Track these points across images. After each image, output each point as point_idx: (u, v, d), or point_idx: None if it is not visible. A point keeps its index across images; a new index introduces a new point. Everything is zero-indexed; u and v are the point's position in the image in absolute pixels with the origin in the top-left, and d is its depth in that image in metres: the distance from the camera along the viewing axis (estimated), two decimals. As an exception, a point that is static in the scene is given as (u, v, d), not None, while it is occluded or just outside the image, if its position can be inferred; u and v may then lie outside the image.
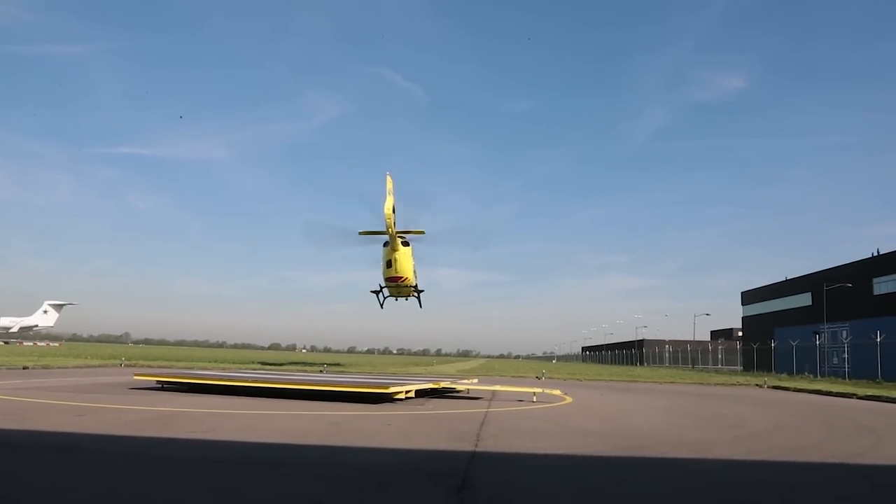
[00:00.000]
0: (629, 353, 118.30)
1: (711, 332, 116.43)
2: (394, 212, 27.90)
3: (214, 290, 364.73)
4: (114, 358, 36.76)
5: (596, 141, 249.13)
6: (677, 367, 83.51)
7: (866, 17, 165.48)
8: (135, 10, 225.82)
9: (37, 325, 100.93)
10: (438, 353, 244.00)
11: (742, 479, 6.74)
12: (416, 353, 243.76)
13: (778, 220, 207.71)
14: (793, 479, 6.91)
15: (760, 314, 73.17)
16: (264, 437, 8.57)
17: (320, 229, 35.26)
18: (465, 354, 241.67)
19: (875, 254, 53.34)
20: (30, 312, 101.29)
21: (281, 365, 38.33)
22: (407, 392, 14.62)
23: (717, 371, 64.90)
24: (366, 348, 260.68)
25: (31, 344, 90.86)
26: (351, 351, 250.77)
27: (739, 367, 72.71)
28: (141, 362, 33.48)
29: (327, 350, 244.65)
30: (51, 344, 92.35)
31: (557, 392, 17.74)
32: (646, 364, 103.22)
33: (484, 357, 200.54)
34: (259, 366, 34.23)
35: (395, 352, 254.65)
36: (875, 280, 51.81)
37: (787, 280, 68.46)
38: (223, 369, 25.69)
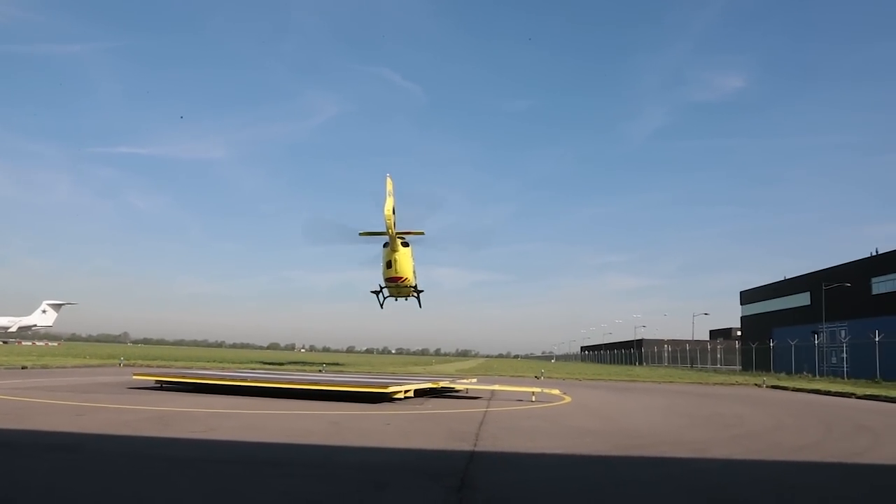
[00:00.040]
0: (628, 352, 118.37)
1: (710, 331, 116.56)
2: (394, 213, 28.02)
3: (213, 290, 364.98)
4: (112, 358, 36.72)
5: (595, 141, 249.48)
6: (676, 367, 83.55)
7: (865, 16, 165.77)
8: (134, 10, 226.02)
9: (35, 325, 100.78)
10: (437, 353, 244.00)
11: (741, 478, 6.75)
12: (414, 353, 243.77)
13: (777, 219, 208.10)
14: (791, 478, 6.92)
15: (759, 314, 73.27)
16: (264, 437, 8.57)
17: (322, 226, 35.37)
18: (464, 354, 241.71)
19: (874, 253, 53.43)
20: (28, 312, 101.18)
21: (281, 364, 38.31)
22: (406, 392, 14.62)
23: (715, 371, 64.94)
24: (365, 348, 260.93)
25: (29, 343, 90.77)
26: (350, 350, 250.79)
27: (738, 367, 72.77)
28: (140, 362, 33.44)
29: (326, 350, 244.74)
30: (49, 344, 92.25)
31: (556, 392, 17.74)
32: (645, 364, 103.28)
33: (483, 357, 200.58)
34: (258, 365, 34.22)
35: (393, 351, 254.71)
36: (874, 280, 51.88)
37: (785, 280, 68.56)
38: (222, 369, 25.67)
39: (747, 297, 77.95)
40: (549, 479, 6.38)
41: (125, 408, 11.38)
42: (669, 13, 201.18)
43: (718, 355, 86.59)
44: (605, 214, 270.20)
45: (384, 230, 28.73)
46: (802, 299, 63.01)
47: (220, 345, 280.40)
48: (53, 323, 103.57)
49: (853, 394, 23.83)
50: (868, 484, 6.80)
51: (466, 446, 7.96)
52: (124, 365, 30.39)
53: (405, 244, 30.50)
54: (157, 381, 16.69)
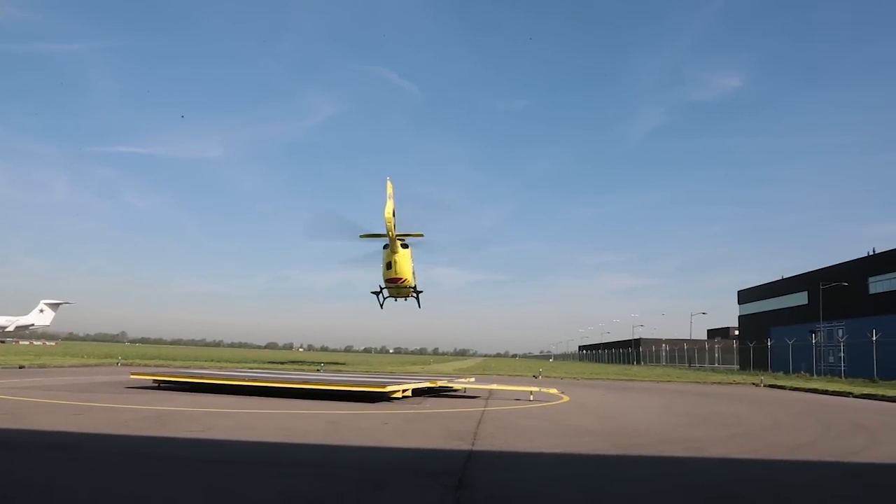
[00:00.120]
0: (626, 352, 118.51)
1: (708, 331, 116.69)
2: (394, 215, 28.20)
3: (211, 290, 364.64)
4: (110, 357, 36.65)
5: (593, 140, 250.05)
6: (674, 366, 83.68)
7: (863, 16, 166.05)
8: (132, 10, 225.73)
9: (33, 325, 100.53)
10: (435, 352, 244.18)
11: (738, 476, 6.76)
12: (413, 352, 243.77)
13: (775, 219, 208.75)
14: (788, 477, 6.93)
15: (757, 313, 73.35)
16: (261, 436, 8.57)
17: (327, 221, 35.51)
18: (462, 353, 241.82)
19: (871, 253, 53.52)
20: (26, 311, 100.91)
21: (281, 364, 38.28)
22: (404, 391, 14.62)
23: (713, 370, 65.05)
24: (363, 347, 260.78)
25: (27, 343, 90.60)
26: (348, 350, 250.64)
27: (736, 366, 72.91)
28: (138, 361, 33.40)
29: (324, 349, 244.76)
30: (47, 343, 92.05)
31: (554, 391, 17.78)
32: (642, 363, 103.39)
33: (481, 356, 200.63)
34: (256, 365, 34.20)
35: (391, 351, 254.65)
36: (871, 279, 51.96)
37: (783, 279, 68.65)
38: (220, 368, 25.66)
39: (745, 296, 78.04)
40: (547, 478, 6.39)
41: (123, 407, 11.37)
42: (667, 13, 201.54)
43: (716, 355, 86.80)
44: (603, 214, 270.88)
45: (384, 232, 29.05)
46: (800, 299, 63.10)
47: (217, 344, 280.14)
48: (51, 322, 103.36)
49: (850, 393, 23.89)
50: (865, 483, 6.82)
51: (464, 445, 7.96)
52: (122, 364, 30.35)
53: (405, 246, 30.86)
54: (155, 381, 16.68)
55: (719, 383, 31.99)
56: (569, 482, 6.21)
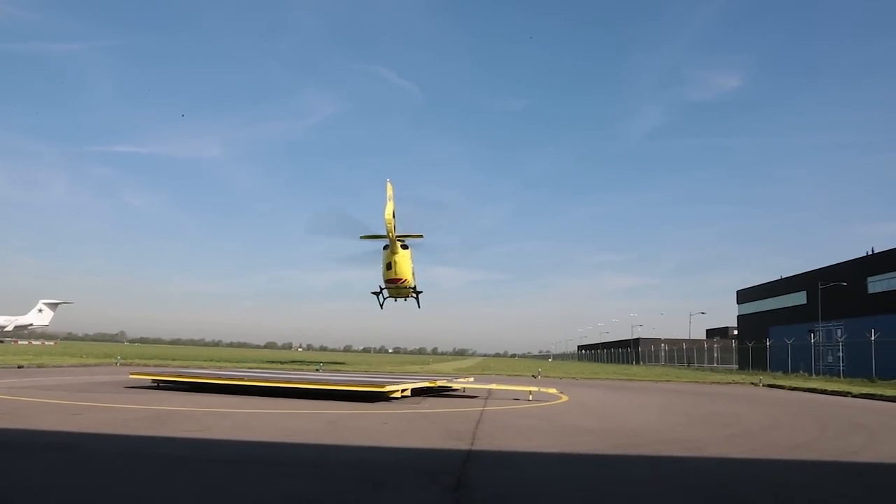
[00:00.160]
0: (625, 351, 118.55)
1: (707, 330, 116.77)
2: (394, 217, 28.35)
3: (210, 289, 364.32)
4: (109, 357, 36.65)
5: (592, 139, 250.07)
6: (673, 366, 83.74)
7: (863, 15, 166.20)
8: (130, 9, 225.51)
9: (32, 324, 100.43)
10: (434, 352, 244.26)
11: (737, 476, 6.77)
12: (412, 352, 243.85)
13: (774, 218, 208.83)
14: (787, 476, 6.94)
15: (755, 313, 73.41)
16: (260, 436, 8.57)
17: (333, 217, 35.69)
18: (461, 353, 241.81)
19: (870, 252, 53.58)
20: (25, 311, 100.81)
21: (280, 363, 38.28)
22: (403, 391, 14.62)
23: (712, 370, 65.10)
24: (362, 347, 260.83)
25: (26, 343, 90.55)
26: (347, 349, 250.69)
27: (735, 366, 72.97)
28: (136, 361, 33.39)
29: (323, 349, 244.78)
30: (46, 343, 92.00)
31: (553, 391, 17.80)
32: (641, 363, 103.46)
33: (480, 356, 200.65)
34: (255, 364, 34.19)
35: (390, 350, 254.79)
36: (870, 279, 52.01)
37: (782, 279, 68.70)
38: (219, 368, 25.66)
39: (744, 296, 78.10)
40: (546, 477, 6.39)
41: (122, 407, 11.37)
42: (667, 12, 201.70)
43: (715, 354, 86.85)
44: (603, 213, 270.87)
45: (384, 233, 29.28)
46: (799, 298, 63.15)
47: (216, 344, 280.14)
48: (50, 322, 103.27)
49: (849, 392, 23.92)
50: (863, 482, 6.83)
51: (463, 445, 7.97)
52: (121, 364, 30.34)
53: (405, 247, 31.15)
54: (154, 381, 16.67)
55: (718, 383, 32.02)
56: (568, 482, 6.21)
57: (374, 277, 33.64)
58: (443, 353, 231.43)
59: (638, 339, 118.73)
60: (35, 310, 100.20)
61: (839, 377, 41.86)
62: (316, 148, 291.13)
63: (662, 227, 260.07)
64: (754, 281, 78.84)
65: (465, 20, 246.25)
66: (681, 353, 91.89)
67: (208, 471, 6.17)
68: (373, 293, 34.43)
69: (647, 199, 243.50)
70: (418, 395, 16.00)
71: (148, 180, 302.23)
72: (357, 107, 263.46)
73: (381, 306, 34.82)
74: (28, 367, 25.11)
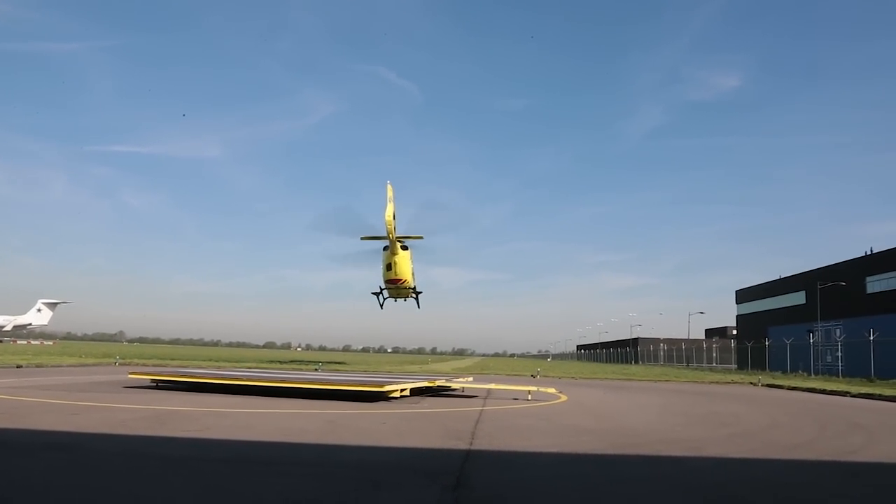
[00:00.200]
0: (624, 351, 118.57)
1: (706, 330, 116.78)
2: (394, 218, 28.47)
3: (209, 289, 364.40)
4: (108, 356, 36.63)
5: (592, 139, 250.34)
6: (672, 366, 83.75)
7: (863, 15, 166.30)
8: (130, 9, 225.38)
9: (31, 324, 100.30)
10: (434, 352, 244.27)
11: (736, 476, 6.77)
12: (411, 352, 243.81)
13: (774, 218, 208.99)
14: (786, 476, 6.95)
15: (754, 312, 73.45)
16: (259, 436, 8.57)
17: (339, 214, 35.77)
18: (460, 353, 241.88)
19: (868, 252, 53.63)
20: (24, 311, 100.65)
21: (280, 363, 38.27)
22: (402, 390, 14.62)
23: (711, 369, 65.12)
24: (361, 347, 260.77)
25: (24, 342, 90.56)
26: (346, 349, 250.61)
27: (734, 366, 73.00)
28: (135, 361, 33.36)
29: (322, 349, 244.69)
30: (45, 342, 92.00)
31: (552, 390, 17.80)
32: (641, 363, 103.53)
33: (479, 355, 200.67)
34: (254, 364, 34.19)
35: (390, 350, 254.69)
36: (868, 279, 52.06)
37: (781, 279, 68.75)
38: (218, 368, 25.64)
39: (743, 295, 78.15)
40: (545, 477, 6.40)
41: (121, 407, 11.36)
42: (666, 11, 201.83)
43: (714, 354, 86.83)
44: (602, 213, 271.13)
45: (385, 234, 29.44)
46: (798, 298, 63.19)
47: (215, 344, 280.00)
48: (49, 322, 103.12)
49: (848, 392, 23.94)
50: (862, 482, 6.83)
51: (462, 445, 7.97)
52: (120, 364, 30.31)
53: (404, 248, 31.35)
54: (153, 380, 16.66)
55: (717, 383, 32.03)
56: (567, 482, 6.22)
57: (374, 277, 33.87)
58: (442, 353, 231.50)
59: (637, 338, 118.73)
60: (34, 309, 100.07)
61: (838, 377, 41.89)
62: (316, 148, 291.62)
63: (662, 226, 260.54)
64: (754, 281, 78.96)
65: (465, 20, 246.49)
66: (680, 353, 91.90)
67: (207, 471, 6.16)
68: (373, 293, 34.69)
69: (647, 198, 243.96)
70: (417, 395, 15.99)
71: (147, 180, 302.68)
72: (357, 107, 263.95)
73: (381, 306, 35.11)
74: (27, 366, 25.09)
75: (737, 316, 79.53)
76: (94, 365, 29.54)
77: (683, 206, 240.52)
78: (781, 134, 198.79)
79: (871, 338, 40.87)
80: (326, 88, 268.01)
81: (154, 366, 27.84)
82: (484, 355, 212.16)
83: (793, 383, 30.55)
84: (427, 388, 16.90)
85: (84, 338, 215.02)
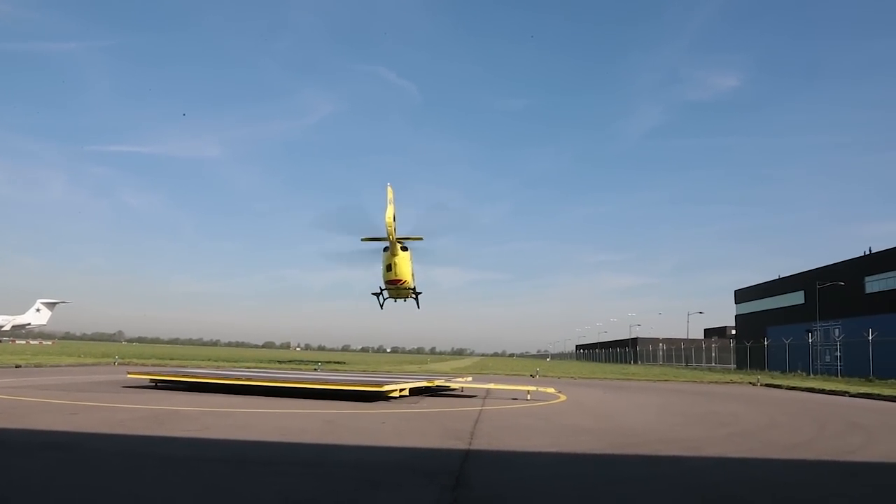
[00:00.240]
0: (623, 351, 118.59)
1: (705, 330, 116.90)
2: (394, 220, 28.69)
3: (208, 289, 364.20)
4: (107, 356, 36.60)
5: (591, 139, 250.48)
6: (671, 366, 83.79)
7: (862, 14, 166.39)
8: (129, 8, 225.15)
9: (29, 324, 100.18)
10: (433, 352, 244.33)
11: (734, 476, 6.77)
12: (410, 352, 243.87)
13: (773, 218, 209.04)
14: (785, 476, 6.95)
15: (753, 312, 73.50)
16: (258, 436, 8.56)
17: (344, 213, 35.94)
18: (459, 353, 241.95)
19: (867, 252, 53.68)
20: (22, 310, 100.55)
21: (279, 363, 38.24)
22: (401, 390, 14.62)
23: (710, 369, 65.17)
24: (360, 346, 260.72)
25: (23, 342, 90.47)
26: (345, 349, 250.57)
27: (733, 366, 73.04)
28: (134, 360, 33.35)
29: (321, 348, 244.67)
30: (43, 342, 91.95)
31: (551, 390, 17.81)
32: (640, 362, 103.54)
33: (478, 355, 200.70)
34: (253, 364, 34.17)
35: (389, 350, 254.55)
36: (867, 278, 52.12)
37: (779, 278, 68.79)
38: (217, 368, 25.64)
39: (741, 295, 78.19)
40: (544, 477, 6.40)
41: (120, 406, 11.35)
42: (666, 11, 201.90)
43: (713, 354, 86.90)
44: (602, 213, 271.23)
45: (385, 235, 29.58)
46: (796, 298, 63.25)
47: (214, 343, 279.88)
48: (48, 321, 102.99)
49: (846, 392, 23.96)
50: (861, 482, 6.84)
51: (461, 445, 7.97)
52: (119, 364, 30.29)
53: (404, 248, 31.53)
54: (152, 380, 16.65)
55: (716, 382, 32.05)
56: (565, 481, 6.22)
57: (373, 277, 34.02)
58: (441, 353, 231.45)
59: (636, 338, 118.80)
60: (33, 309, 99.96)
61: (837, 377, 41.92)
62: (315, 147, 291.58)
63: (661, 226, 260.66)
64: (753, 281, 79.04)
65: (465, 20, 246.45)
66: (679, 353, 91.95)
67: (206, 470, 6.16)
68: (373, 294, 34.91)
69: (646, 198, 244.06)
70: (416, 395, 15.99)
71: (147, 180, 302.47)
72: (356, 106, 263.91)
73: (382, 307, 35.32)
74: (25, 366, 25.07)
75: (736, 316, 79.59)
76: (92, 365, 29.51)
77: (683, 206, 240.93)
78: (781, 134, 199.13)
79: (870, 337, 40.91)
80: (326, 88, 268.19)
81: (153, 365, 27.82)
82: (483, 355, 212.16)
83: (791, 383, 30.58)
84: (426, 387, 16.90)
85: (83, 338, 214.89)
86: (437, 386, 17.30)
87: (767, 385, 30.34)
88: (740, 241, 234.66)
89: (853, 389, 24.77)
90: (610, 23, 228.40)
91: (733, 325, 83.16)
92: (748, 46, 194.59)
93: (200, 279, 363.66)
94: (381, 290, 34.11)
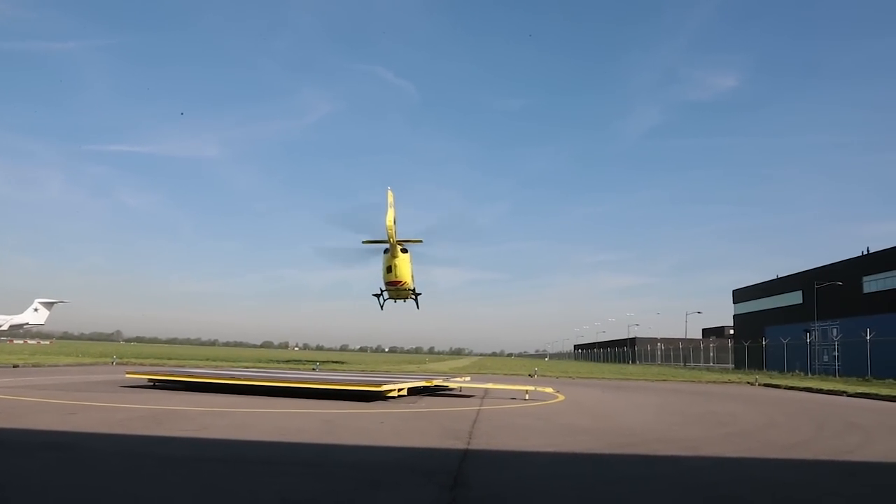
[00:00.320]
0: (621, 351, 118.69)
1: (703, 330, 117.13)
2: (394, 223, 29.32)
3: (207, 289, 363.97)
4: (105, 356, 36.56)
5: (589, 139, 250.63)
6: (669, 366, 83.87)
7: (862, 14, 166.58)
8: (128, 8, 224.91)
9: (27, 323, 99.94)
10: (431, 351, 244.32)
11: (733, 475, 6.78)
12: (408, 351, 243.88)
13: (772, 218, 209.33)
14: (783, 475, 6.96)
15: (752, 312, 73.57)
16: (257, 436, 8.56)
17: (355, 214, 36.42)
18: (457, 352, 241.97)
19: (865, 252, 53.76)
20: (20, 310, 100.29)
21: (277, 363, 38.23)
22: (400, 390, 14.62)
23: (708, 369, 65.26)
24: (358, 346, 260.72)
25: (21, 342, 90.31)
26: (344, 349, 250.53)
27: (731, 365, 73.15)
28: (133, 360, 33.33)
29: (320, 348, 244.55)
30: (41, 342, 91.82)
31: (550, 390, 17.81)
32: (638, 362, 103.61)
33: (477, 355, 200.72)
34: (251, 364, 34.16)
35: (387, 350, 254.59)
36: (865, 278, 52.20)
37: (778, 278, 68.85)
38: (215, 367, 25.62)
39: (740, 295, 78.26)
40: (543, 476, 6.40)
41: (118, 406, 11.34)
42: (665, 11, 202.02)
43: (711, 354, 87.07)
44: (600, 213, 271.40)
45: (385, 238, 30.16)
46: (794, 298, 63.32)
47: (213, 343, 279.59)
48: (45, 321, 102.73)
49: (844, 392, 23.99)
50: (859, 481, 6.85)
51: (460, 444, 7.97)
52: (117, 363, 30.26)
53: (404, 250, 32.01)
54: (150, 380, 16.64)
55: (714, 382, 32.09)
56: (564, 481, 6.22)
57: (373, 277, 34.47)
58: (439, 353, 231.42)
59: (634, 338, 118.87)
60: (31, 309, 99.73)
61: (835, 376, 42.01)
62: (313, 147, 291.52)
63: (660, 226, 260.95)
64: (751, 280, 79.14)
65: (463, 19, 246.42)
66: (677, 353, 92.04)
67: (205, 470, 6.16)
68: (373, 295, 35.27)
69: (645, 198, 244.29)
70: (415, 395, 16.00)
71: (145, 179, 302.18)
72: (354, 106, 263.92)
73: (382, 307, 35.65)
74: (23, 366, 25.03)
75: (734, 315, 79.66)
76: (91, 364, 29.48)
77: (681, 206, 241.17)
78: (780, 134, 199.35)
79: (868, 337, 40.97)
80: (324, 88, 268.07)
81: (151, 365, 27.81)
82: (481, 355, 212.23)
83: (790, 383, 30.62)
84: (425, 387, 16.90)
85: (81, 337, 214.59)
86: (435, 386, 17.30)
87: (765, 385, 30.37)
88: (739, 241, 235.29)
89: (851, 389, 24.82)
90: (608, 22, 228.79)
91: (731, 324, 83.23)
92: (747, 46, 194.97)
93: (199, 279, 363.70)
94: (382, 291, 34.53)
